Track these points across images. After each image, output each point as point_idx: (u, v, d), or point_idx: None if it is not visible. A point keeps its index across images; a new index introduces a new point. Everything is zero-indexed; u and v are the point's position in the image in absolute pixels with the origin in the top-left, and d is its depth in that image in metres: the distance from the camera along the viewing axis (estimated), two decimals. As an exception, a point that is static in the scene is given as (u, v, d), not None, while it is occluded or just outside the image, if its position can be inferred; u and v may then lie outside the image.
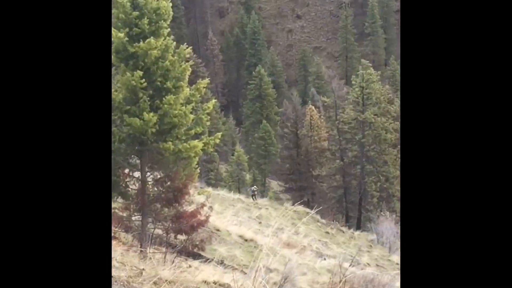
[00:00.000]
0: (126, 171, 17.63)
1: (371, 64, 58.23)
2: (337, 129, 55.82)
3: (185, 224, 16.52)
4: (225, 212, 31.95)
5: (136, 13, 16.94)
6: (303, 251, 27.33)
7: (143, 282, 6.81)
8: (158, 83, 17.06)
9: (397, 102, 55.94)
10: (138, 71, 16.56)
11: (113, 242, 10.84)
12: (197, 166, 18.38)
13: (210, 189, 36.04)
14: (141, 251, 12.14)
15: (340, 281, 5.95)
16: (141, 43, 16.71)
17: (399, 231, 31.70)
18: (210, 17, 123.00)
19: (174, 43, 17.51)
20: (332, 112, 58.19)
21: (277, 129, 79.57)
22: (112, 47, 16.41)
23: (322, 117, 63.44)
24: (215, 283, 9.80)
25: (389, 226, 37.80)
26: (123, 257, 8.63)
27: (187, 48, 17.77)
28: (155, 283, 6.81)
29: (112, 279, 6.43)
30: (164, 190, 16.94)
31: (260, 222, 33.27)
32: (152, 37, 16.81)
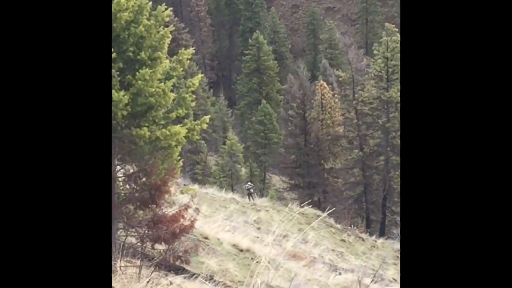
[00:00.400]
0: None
1: (397, 29, 58.08)
2: (355, 110, 55.80)
3: (165, 230, 16.51)
4: (215, 215, 31.98)
5: (101, -35, 16.87)
6: (313, 264, 27.39)
7: (112, 303, 6.80)
8: (130, 53, 17.00)
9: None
10: (104, 38, 16.51)
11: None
12: (179, 157, 18.35)
13: (196, 186, 36.05)
14: (109, 264, 12.12)
15: (359, 301, 5.98)
16: (108, 3, 16.64)
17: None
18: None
19: (150, 3, 17.44)
20: (349, 90, 58.16)
21: (279, 111, 79.54)
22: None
23: (336, 95, 63.39)
24: (202, 304, 9.82)
25: (420, 232, 37.76)
26: (87, 272, 8.61)
27: (166, 9, 17.70)
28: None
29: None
30: (138, 188, 16.91)
31: (258, 228, 33.33)
32: (122, -4, 16.75)
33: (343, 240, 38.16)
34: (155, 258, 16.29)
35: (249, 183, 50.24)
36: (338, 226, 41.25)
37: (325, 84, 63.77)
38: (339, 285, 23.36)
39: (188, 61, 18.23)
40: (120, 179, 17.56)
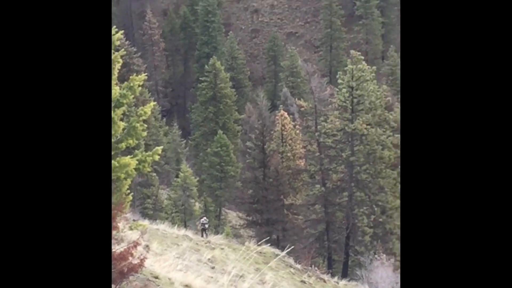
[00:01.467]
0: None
1: (363, 57, 58.68)
2: (318, 143, 56.07)
3: (112, 269, 16.44)
4: (166, 253, 31.83)
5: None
6: (271, 307, 27.35)
7: None
8: (78, 79, 17.03)
9: (398, 108, 56.43)
10: (50, 62, 16.52)
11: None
12: (128, 191, 18.32)
13: (146, 222, 35.87)
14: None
15: None
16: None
17: (399, 280, 31.90)
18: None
19: (100, 25, 17.50)
20: (311, 121, 58.46)
21: (237, 142, 79.59)
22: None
23: (297, 127, 63.64)
24: None
25: (385, 274, 38.01)
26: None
27: (117, 32, 17.77)
28: None
29: None
30: (83, 223, 16.84)
31: (213, 267, 33.23)
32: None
33: (303, 282, 38.12)
34: (101, 299, 16.19)
35: (204, 217, 50.16)
36: (298, 266, 41.22)
37: (285, 114, 64.00)
38: (299, 329, 23.37)
39: (140, 87, 18.28)
40: (64, 213, 17.47)
